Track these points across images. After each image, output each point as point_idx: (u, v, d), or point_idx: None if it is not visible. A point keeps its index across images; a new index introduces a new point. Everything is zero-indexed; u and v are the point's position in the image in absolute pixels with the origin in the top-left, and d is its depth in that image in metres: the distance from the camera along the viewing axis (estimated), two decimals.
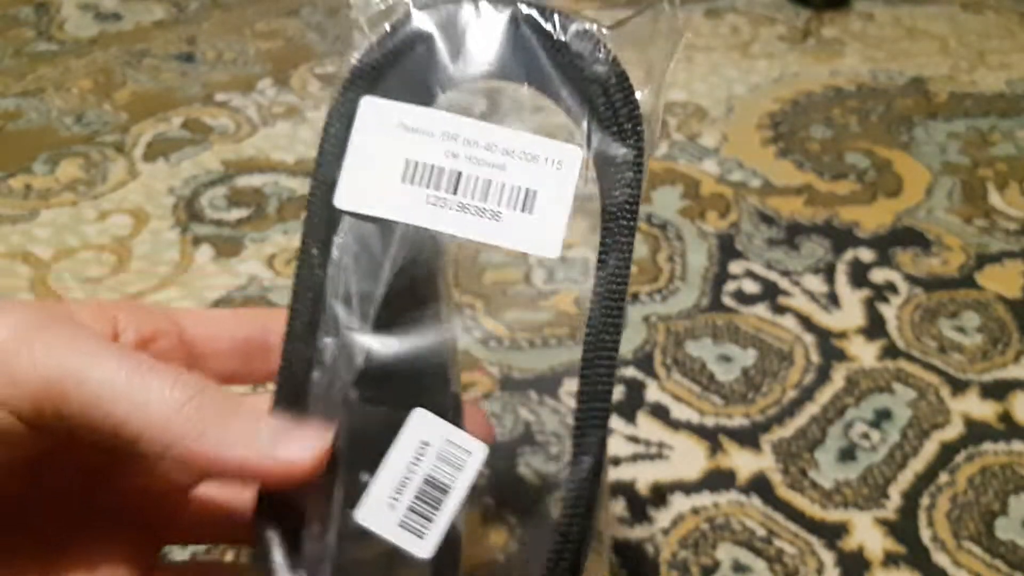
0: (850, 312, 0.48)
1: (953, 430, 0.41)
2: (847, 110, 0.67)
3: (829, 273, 0.50)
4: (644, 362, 0.44)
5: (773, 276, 0.50)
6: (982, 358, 0.45)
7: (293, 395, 0.18)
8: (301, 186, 0.56)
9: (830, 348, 0.45)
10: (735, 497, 0.38)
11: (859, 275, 0.50)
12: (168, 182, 0.56)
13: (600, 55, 0.20)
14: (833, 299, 0.48)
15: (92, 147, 0.59)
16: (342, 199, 0.19)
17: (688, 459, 0.39)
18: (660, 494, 0.38)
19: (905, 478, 0.39)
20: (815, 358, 0.45)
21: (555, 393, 0.42)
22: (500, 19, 0.20)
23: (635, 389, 0.42)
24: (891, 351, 0.45)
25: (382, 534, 0.18)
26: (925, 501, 0.38)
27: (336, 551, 0.18)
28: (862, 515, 0.37)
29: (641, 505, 0.37)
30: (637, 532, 0.36)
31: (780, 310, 0.48)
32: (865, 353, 0.45)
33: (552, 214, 0.20)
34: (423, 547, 0.18)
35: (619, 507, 0.37)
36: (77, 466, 0.19)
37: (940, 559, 0.35)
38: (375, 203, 0.19)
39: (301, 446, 0.17)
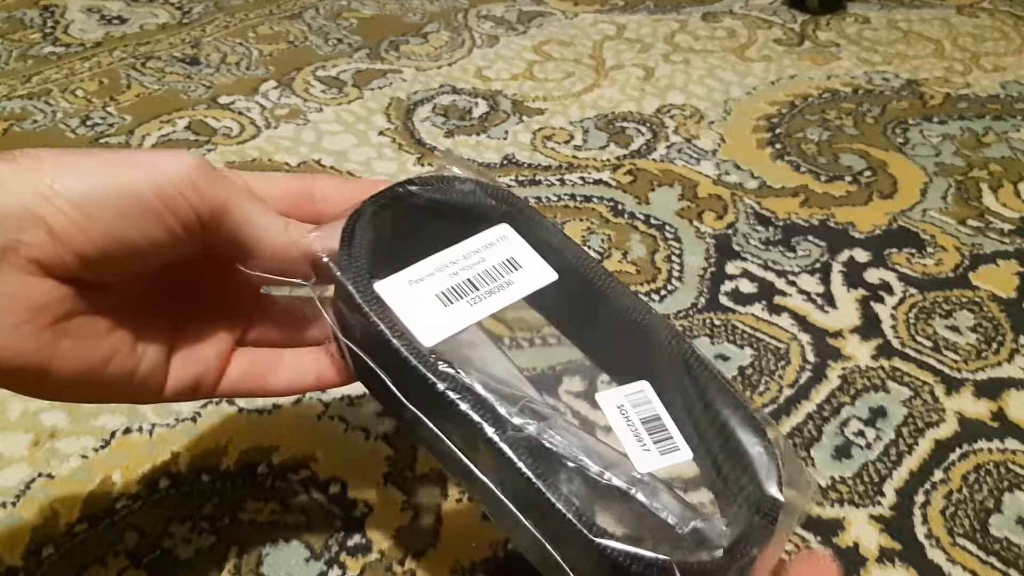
0: (845, 311, 0.48)
1: (947, 428, 0.41)
2: (843, 112, 0.68)
3: (825, 273, 0.51)
4: None
5: (770, 276, 0.51)
6: (976, 357, 0.45)
7: (554, 481, 0.24)
8: None
9: (826, 347, 0.46)
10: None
11: (854, 275, 0.51)
12: None
13: (461, 182, 0.30)
14: (829, 299, 0.49)
15: None
16: (427, 340, 0.25)
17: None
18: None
19: (900, 476, 0.39)
20: (811, 357, 0.45)
21: (555, 393, 0.42)
22: (424, 188, 0.29)
23: None
24: (886, 350, 0.46)
25: (660, 467, 0.26)
26: (920, 498, 0.38)
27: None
28: (857, 512, 0.37)
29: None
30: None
31: (776, 310, 0.48)
32: (860, 352, 0.46)
33: (529, 259, 0.29)
34: (684, 452, 0.27)
35: None
36: (212, 261, 0.27)
37: (935, 556, 0.36)
38: (447, 327, 0.26)
39: (331, 241, 0.27)
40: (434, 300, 0.27)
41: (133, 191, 0.22)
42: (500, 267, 0.28)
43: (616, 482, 0.27)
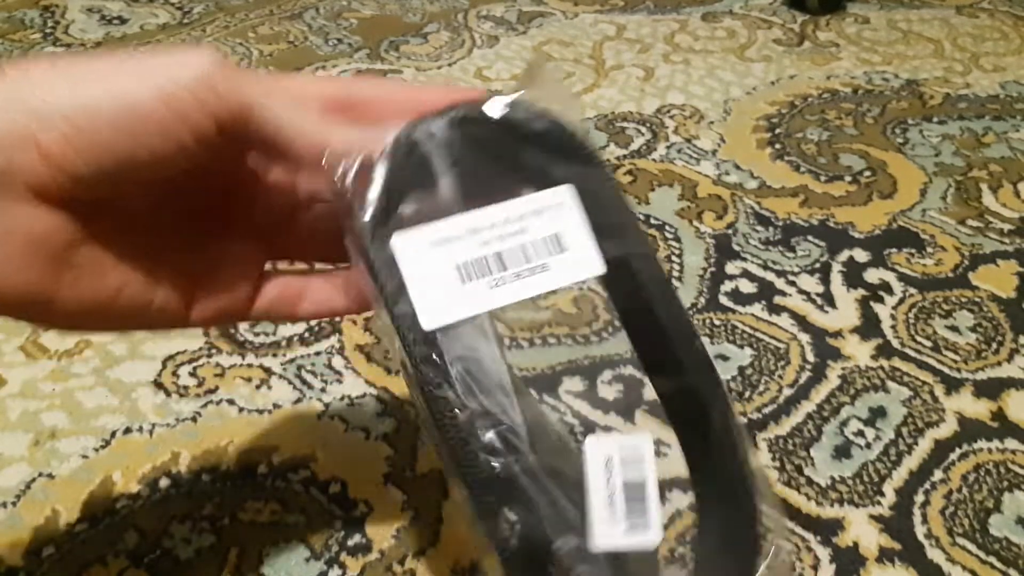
0: (845, 311, 0.48)
1: (947, 428, 0.41)
2: (842, 112, 0.68)
3: (824, 273, 0.51)
4: None
5: (769, 276, 0.51)
6: (976, 357, 0.45)
7: (485, 487, 0.21)
8: None
9: (825, 347, 0.46)
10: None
11: (854, 275, 0.51)
12: None
13: (534, 113, 0.24)
14: (828, 299, 0.49)
15: None
16: (427, 322, 0.22)
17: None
18: (658, 491, 0.38)
19: (899, 475, 0.39)
20: (811, 357, 0.45)
21: (555, 393, 0.42)
22: (450, 125, 0.23)
23: (633, 387, 0.43)
24: (886, 350, 0.46)
25: (620, 547, 0.23)
26: (919, 498, 0.38)
27: None
28: (857, 512, 0.37)
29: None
30: None
31: (776, 310, 0.48)
32: (860, 352, 0.46)
33: (578, 241, 0.23)
34: (653, 534, 0.23)
35: None
36: (234, 175, 0.25)
37: (934, 555, 0.36)
38: (455, 310, 0.22)
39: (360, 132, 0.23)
40: (452, 272, 0.22)
41: (134, 100, 0.20)
42: (540, 244, 0.23)
43: (564, 552, 0.23)
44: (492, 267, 0.22)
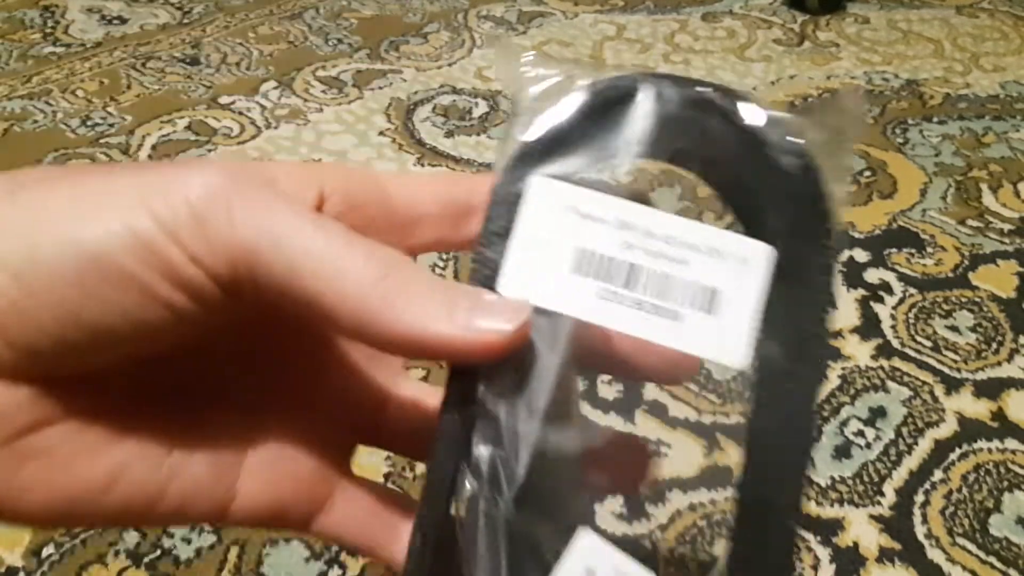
0: (845, 311, 0.48)
1: (947, 428, 0.41)
2: None
3: None
4: None
5: None
6: (976, 357, 0.45)
7: (442, 507, 0.17)
8: None
9: None
10: (732, 494, 0.38)
11: (854, 275, 0.51)
12: None
13: (792, 146, 0.18)
14: None
15: (98, 149, 0.60)
16: (507, 286, 0.17)
17: (686, 456, 0.40)
18: (658, 491, 0.38)
19: (900, 475, 0.39)
20: None
21: None
22: (680, 101, 0.18)
23: (633, 387, 0.43)
24: (886, 350, 0.46)
25: None
26: (919, 498, 0.38)
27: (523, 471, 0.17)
28: (857, 512, 0.37)
29: (639, 502, 0.38)
30: (635, 528, 0.37)
31: None
32: (860, 352, 0.46)
33: (736, 317, 0.18)
34: None
35: (617, 504, 0.37)
36: (278, 343, 0.18)
37: (934, 555, 0.36)
38: (543, 294, 0.17)
39: (502, 316, 0.16)
40: (569, 252, 0.18)
41: (98, 250, 0.14)
42: (690, 289, 0.18)
43: None
44: (617, 275, 0.18)
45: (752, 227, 0.19)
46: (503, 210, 0.18)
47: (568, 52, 0.76)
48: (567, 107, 0.18)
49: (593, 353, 0.18)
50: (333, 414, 0.19)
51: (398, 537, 0.19)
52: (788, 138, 0.18)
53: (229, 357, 0.18)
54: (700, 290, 0.18)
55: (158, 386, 0.18)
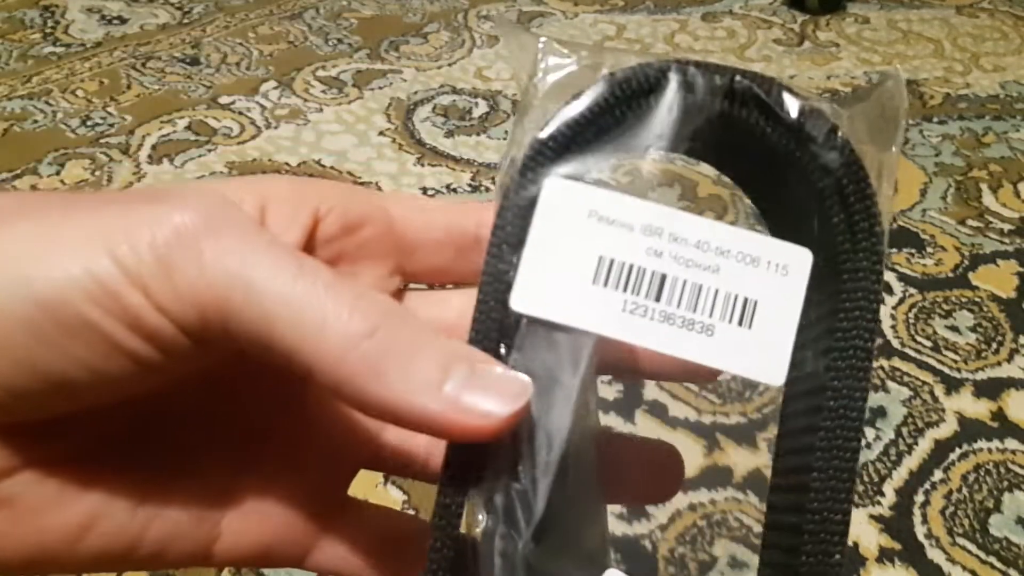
0: None
1: (947, 428, 0.41)
2: None
3: None
4: None
5: None
6: (976, 357, 0.45)
7: (453, 545, 0.15)
8: None
9: None
10: (732, 494, 0.38)
11: None
12: (173, 184, 0.57)
13: (834, 141, 0.16)
14: None
15: (98, 149, 0.60)
16: (520, 300, 0.15)
17: (686, 456, 0.40)
18: None
19: (900, 475, 0.39)
20: None
21: None
22: (712, 91, 0.17)
23: (633, 388, 0.43)
24: (886, 350, 0.46)
25: None
26: (919, 498, 0.38)
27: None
28: (857, 512, 0.38)
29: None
30: (635, 528, 0.37)
31: None
32: None
33: (776, 330, 0.16)
34: None
35: (617, 504, 0.38)
36: (260, 382, 0.17)
37: (934, 555, 0.36)
38: (561, 308, 0.16)
39: (495, 397, 0.14)
40: (591, 261, 0.16)
41: (53, 296, 0.13)
42: (724, 301, 0.16)
43: None
44: (644, 287, 0.16)
45: (788, 229, 0.17)
46: (515, 215, 0.16)
47: None
48: (585, 100, 0.16)
49: (616, 365, 0.17)
50: (324, 447, 0.18)
51: (406, 568, 0.17)
52: (829, 131, 0.16)
53: (203, 400, 0.17)
54: (736, 301, 0.16)
55: (126, 432, 0.16)
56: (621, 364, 0.16)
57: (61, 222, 0.14)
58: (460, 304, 0.17)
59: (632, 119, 0.17)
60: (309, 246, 0.16)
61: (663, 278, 0.16)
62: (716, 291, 0.16)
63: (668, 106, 0.17)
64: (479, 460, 0.15)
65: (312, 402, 0.18)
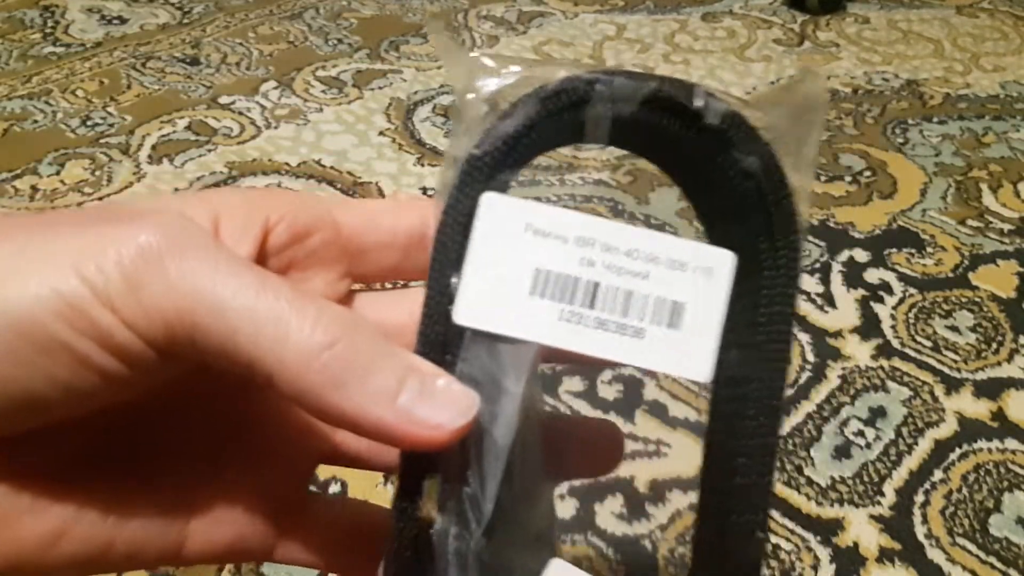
0: (845, 311, 0.48)
1: (947, 428, 0.41)
2: (842, 112, 0.68)
3: (825, 273, 0.51)
4: None
5: None
6: (976, 357, 0.45)
7: (410, 545, 0.16)
8: (304, 188, 0.57)
9: (825, 347, 0.46)
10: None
11: (854, 275, 0.51)
12: (173, 183, 0.57)
13: (753, 145, 0.17)
14: (828, 299, 0.49)
15: (98, 149, 0.60)
16: (463, 314, 0.16)
17: (685, 456, 0.40)
18: (658, 491, 0.38)
19: (900, 475, 0.39)
20: (811, 357, 0.45)
21: (555, 392, 0.42)
22: (637, 101, 0.17)
23: (633, 387, 0.43)
24: (886, 350, 0.46)
25: None
26: (919, 498, 0.38)
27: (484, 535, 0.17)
28: (857, 512, 0.37)
29: (639, 502, 0.38)
30: (635, 528, 0.37)
31: None
32: (860, 352, 0.46)
33: (701, 330, 0.17)
34: None
35: (617, 504, 0.37)
36: (220, 391, 0.18)
37: (934, 556, 0.36)
38: (501, 320, 0.16)
39: (446, 410, 0.15)
40: (527, 273, 0.17)
41: (23, 314, 0.14)
42: (653, 305, 0.17)
43: None
44: (577, 296, 0.17)
45: (715, 228, 0.18)
46: (454, 231, 0.16)
47: (568, 52, 0.76)
48: (517, 114, 0.17)
49: (557, 354, 0.18)
50: (282, 449, 0.19)
51: (370, 559, 0.18)
52: (749, 135, 0.17)
53: (165, 412, 0.18)
54: (663, 305, 0.17)
55: (93, 445, 0.17)
56: (559, 354, 0.17)
57: (27, 244, 0.14)
58: (410, 305, 0.17)
59: (563, 130, 0.17)
60: (261, 256, 0.17)
61: (596, 286, 0.17)
62: (646, 296, 0.17)
63: (596, 117, 0.17)
64: (431, 467, 0.16)
65: (270, 408, 0.19)
